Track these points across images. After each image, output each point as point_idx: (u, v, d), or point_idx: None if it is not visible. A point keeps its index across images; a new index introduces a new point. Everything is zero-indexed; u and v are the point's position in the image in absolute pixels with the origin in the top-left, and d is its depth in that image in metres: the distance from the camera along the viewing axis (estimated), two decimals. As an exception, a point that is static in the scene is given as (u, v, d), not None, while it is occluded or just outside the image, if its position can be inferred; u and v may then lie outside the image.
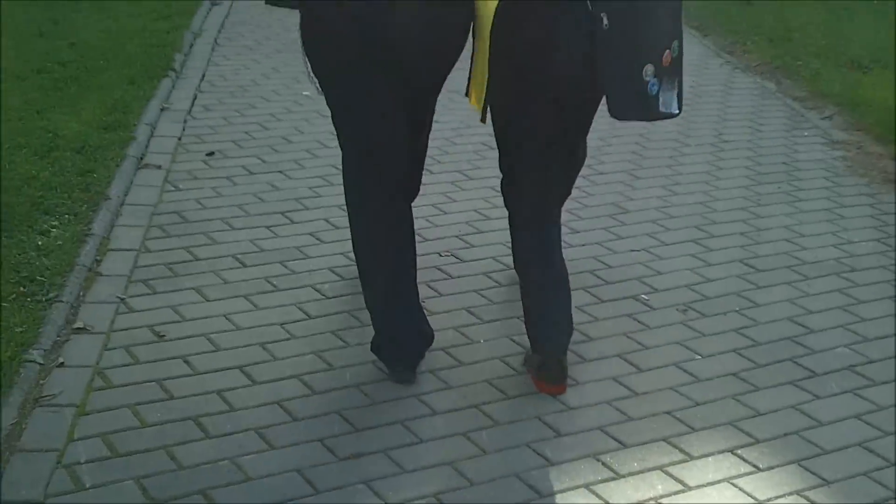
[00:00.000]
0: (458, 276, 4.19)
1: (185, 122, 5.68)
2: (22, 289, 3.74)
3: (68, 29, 7.18)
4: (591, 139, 5.75)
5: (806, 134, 6.21)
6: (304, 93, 6.12)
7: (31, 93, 5.78)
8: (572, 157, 3.72)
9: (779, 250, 4.62)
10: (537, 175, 3.52)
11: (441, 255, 4.36)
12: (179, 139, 5.42)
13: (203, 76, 6.52)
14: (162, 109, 5.78)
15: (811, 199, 5.22)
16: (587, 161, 5.46)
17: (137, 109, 5.67)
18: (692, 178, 5.41)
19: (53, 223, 4.25)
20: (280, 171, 5.08)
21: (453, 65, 3.40)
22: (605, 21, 3.16)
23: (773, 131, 6.23)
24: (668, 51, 3.23)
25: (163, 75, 6.31)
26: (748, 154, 5.81)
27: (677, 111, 3.33)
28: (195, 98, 6.10)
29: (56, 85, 5.96)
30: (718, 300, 4.14)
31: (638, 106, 3.26)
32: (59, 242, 4.09)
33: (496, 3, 3.22)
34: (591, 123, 3.59)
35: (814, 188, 5.38)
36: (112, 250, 4.14)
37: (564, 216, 4.86)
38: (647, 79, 3.22)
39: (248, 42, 7.41)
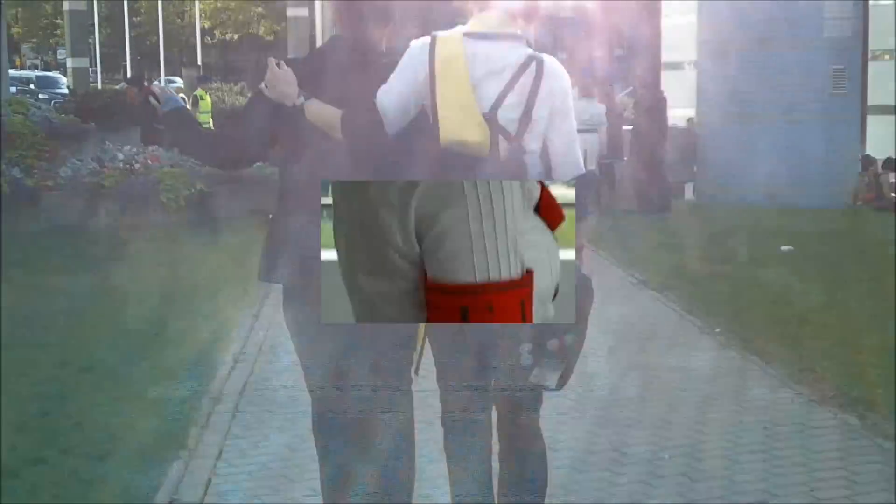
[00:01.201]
0: None
1: (194, 519, 4.96)
2: None
3: (76, 405, 6.55)
4: (667, 494, 5.02)
5: (910, 483, 5.37)
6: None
7: (20, 496, 5.08)
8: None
9: None
10: None
11: None
12: (186, 546, 4.68)
13: (220, 453, 5.83)
14: None
15: (940, 579, 4.34)
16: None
17: (141, 508, 4.97)
18: (791, 555, 4.56)
19: None
20: (301, 582, 4.31)
21: None
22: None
23: (870, 482, 5.38)
24: (557, 339, 3.53)
25: (174, 457, 5.63)
26: (850, 517, 4.98)
27: (553, 387, 3.62)
28: (209, 484, 5.37)
29: (51, 481, 5.25)
30: None
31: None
32: None
33: None
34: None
35: (938, 561, 4.51)
36: None
37: None
38: (522, 353, 3.57)
39: (272, 406, 6.75)
